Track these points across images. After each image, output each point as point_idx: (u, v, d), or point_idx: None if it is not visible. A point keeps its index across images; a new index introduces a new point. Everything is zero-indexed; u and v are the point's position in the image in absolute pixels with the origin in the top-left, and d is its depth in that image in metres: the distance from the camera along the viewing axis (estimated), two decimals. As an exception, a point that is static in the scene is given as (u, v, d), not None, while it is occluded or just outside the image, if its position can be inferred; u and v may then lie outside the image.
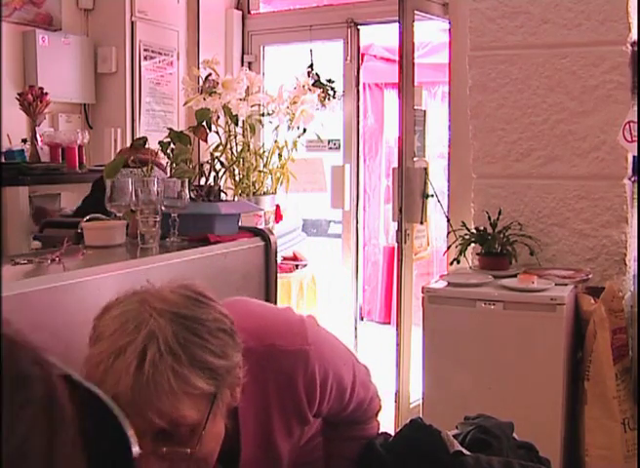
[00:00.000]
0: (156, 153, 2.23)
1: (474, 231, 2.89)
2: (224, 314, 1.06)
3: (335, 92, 4.13)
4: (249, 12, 4.59)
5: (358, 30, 4.24)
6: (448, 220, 3.32)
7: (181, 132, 2.21)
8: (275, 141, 3.80)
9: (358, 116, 4.32)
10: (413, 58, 3.36)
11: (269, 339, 1.18)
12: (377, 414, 1.47)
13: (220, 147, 3.50)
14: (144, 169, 2.03)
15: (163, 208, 1.88)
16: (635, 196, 2.82)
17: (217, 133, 3.39)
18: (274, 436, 1.24)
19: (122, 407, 0.88)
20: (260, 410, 1.20)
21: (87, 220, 1.86)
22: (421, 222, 3.41)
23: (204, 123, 2.42)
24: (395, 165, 3.37)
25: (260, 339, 1.17)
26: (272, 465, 1.29)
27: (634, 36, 2.75)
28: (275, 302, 2.25)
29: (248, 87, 3.63)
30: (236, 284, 2.04)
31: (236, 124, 3.53)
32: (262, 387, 1.18)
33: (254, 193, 3.69)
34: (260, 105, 3.74)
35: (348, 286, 4.31)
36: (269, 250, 2.27)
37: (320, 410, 1.28)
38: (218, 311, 1.05)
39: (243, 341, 1.10)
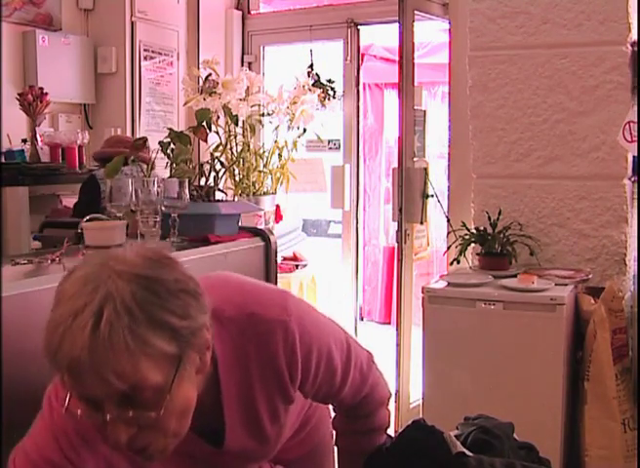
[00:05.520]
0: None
1: (474, 231, 2.89)
2: (188, 275, 1.03)
3: (335, 92, 4.13)
4: (249, 12, 4.59)
5: (358, 30, 4.24)
6: (448, 220, 3.32)
7: (181, 132, 2.21)
8: (275, 141, 3.80)
9: (358, 116, 4.32)
10: (413, 58, 3.36)
11: (249, 308, 1.16)
12: (385, 403, 1.40)
13: (220, 147, 3.50)
14: (145, 168, 2.04)
15: (163, 208, 1.88)
16: (635, 196, 2.82)
17: (217, 133, 3.39)
18: (259, 413, 1.20)
19: (81, 370, 0.91)
20: (243, 383, 1.17)
21: (87, 220, 1.85)
22: (421, 222, 3.40)
23: (204, 123, 2.42)
24: (395, 165, 3.37)
25: (240, 308, 1.16)
26: (259, 447, 1.25)
27: (634, 36, 2.74)
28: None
29: (248, 87, 3.63)
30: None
31: (236, 124, 3.52)
32: (244, 357, 1.16)
33: (254, 193, 3.69)
34: (259, 105, 3.74)
35: (348, 286, 4.31)
36: (269, 250, 2.28)
37: (305, 389, 1.23)
38: (180, 272, 1.02)
39: (224, 310, 1.12)
